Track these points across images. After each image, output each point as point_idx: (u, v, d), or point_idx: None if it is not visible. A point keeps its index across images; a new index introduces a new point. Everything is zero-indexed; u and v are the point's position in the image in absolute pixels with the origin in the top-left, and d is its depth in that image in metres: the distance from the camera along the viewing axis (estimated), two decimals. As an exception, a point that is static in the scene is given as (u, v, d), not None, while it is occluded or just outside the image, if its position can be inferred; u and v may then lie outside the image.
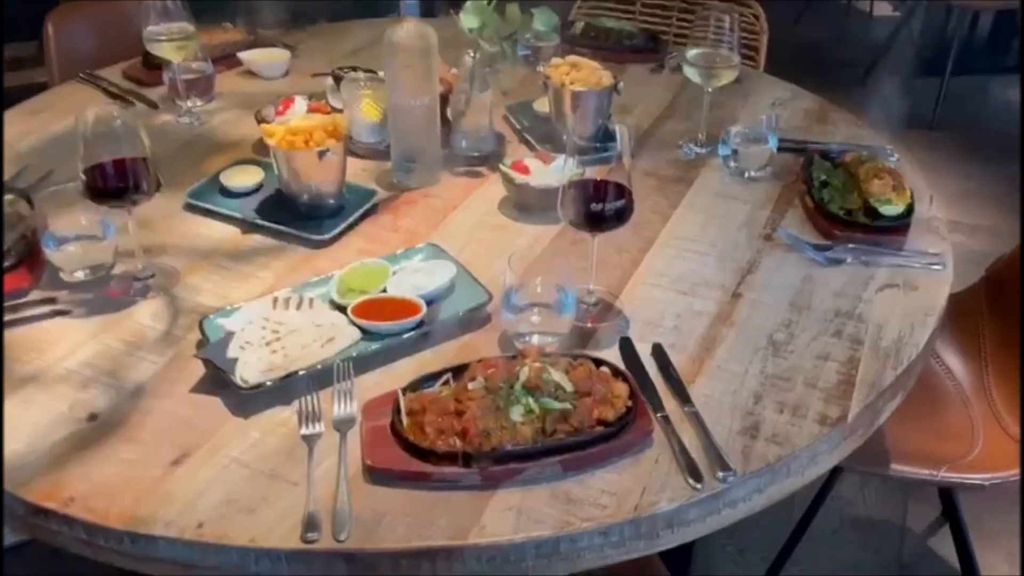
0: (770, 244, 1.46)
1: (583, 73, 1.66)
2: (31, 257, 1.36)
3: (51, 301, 1.28)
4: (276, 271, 1.38)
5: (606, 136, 1.69)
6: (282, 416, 1.11)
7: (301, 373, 1.13)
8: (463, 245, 1.42)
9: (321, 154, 1.44)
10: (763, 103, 1.96)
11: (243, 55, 2.05)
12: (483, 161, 1.67)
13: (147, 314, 1.29)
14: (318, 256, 1.42)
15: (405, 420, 1.05)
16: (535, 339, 1.21)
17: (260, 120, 1.71)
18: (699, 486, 1.00)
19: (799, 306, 1.31)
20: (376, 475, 1.01)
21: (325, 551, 0.94)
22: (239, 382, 1.11)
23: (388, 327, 1.21)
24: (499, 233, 1.48)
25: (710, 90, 1.69)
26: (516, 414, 1.03)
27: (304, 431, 1.07)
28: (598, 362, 1.12)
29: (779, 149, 1.66)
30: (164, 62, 1.84)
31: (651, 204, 1.57)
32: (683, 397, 1.13)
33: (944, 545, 2.15)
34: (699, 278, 1.37)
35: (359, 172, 1.64)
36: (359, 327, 1.21)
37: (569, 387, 1.06)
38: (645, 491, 1.00)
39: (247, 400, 1.11)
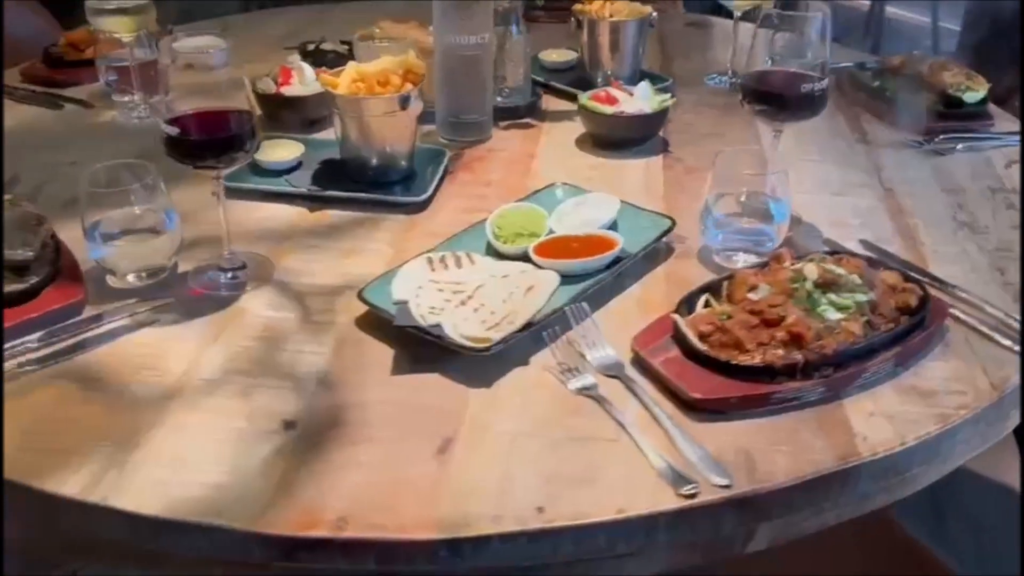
0: (870, 147, 1.41)
1: (618, 5, 1.54)
2: (68, 264, 1.03)
3: (128, 312, 0.97)
4: (387, 241, 1.14)
5: (643, 77, 1.56)
6: (530, 377, 0.89)
7: (539, 318, 0.92)
8: (574, 187, 1.25)
9: (403, 101, 1.20)
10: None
11: (174, 45, 1.73)
12: (522, 115, 1.49)
13: (262, 305, 1.00)
14: (419, 220, 1.19)
15: (700, 344, 0.86)
16: (740, 256, 1.06)
17: (259, 91, 1.44)
18: (1033, 354, 0.90)
19: (952, 190, 1.26)
20: (705, 409, 0.82)
21: (710, 503, 0.74)
22: (471, 345, 0.88)
23: (588, 264, 1.01)
24: (603, 171, 1.32)
25: (739, 14, 1.62)
26: (831, 313, 0.88)
27: (576, 384, 0.86)
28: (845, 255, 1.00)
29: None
30: (71, 55, 1.55)
31: (731, 126, 1.47)
32: (937, 280, 1.02)
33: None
34: (839, 180, 1.28)
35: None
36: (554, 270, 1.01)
37: (857, 279, 0.93)
38: (986, 371, 0.89)
39: (479, 367, 0.88)
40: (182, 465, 0.77)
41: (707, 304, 0.94)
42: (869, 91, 1.52)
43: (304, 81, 1.44)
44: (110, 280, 1.03)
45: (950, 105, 1.44)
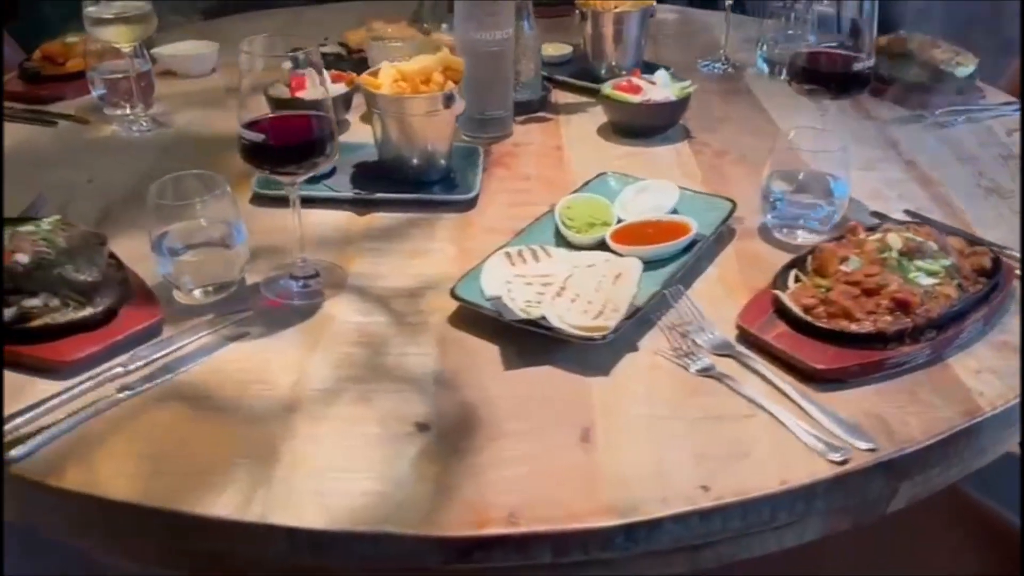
0: (877, 123, 1.47)
1: (619, -4, 1.56)
2: (136, 283, 0.99)
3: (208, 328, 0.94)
4: (447, 240, 1.13)
5: (646, 67, 1.59)
6: (643, 362, 0.90)
7: (640, 304, 0.93)
8: (613, 177, 1.26)
9: (447, 99, 1.19)
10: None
11: (160, 51, 1.67)
12: (535, 108, 1.50)
13: (348, 311, 0.98)
14: (471, 218, 1.18)
15: (806, 316, 0.89)
16: (800, 233, 1.10)
17: (273, 97, 1.40)
18: (1098, 306, 0.96)
19: (967, 159, 1.32)
20: (825, 379, 0.85)
21: (862, 468, 0.76)
22: (586, 334, 0.88)
23: (666, 249, 1.03)
24: (636, 159, 1.33)
25: (730, 2, 1.67)
26: (924, 279, 0.92)
27: (697, 367, 0.87)
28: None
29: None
30: (48, 69, 1.52)
31: (741, 109, 1.51)
32: (991, 244, 1.07)
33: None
34: (860, 156, 1.32)
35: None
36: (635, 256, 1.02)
37: (934, 245, 0.97)
38: (1063, 323, 0.94)
39: (591, 356, 0.89)
40: (330, 475, 0.75)
41: (796, 279, 0.97)
42: (862, 70, 1.58)
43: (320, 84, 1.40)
44: (177, 296, 1.00)
45: (940, 80, 1.52)
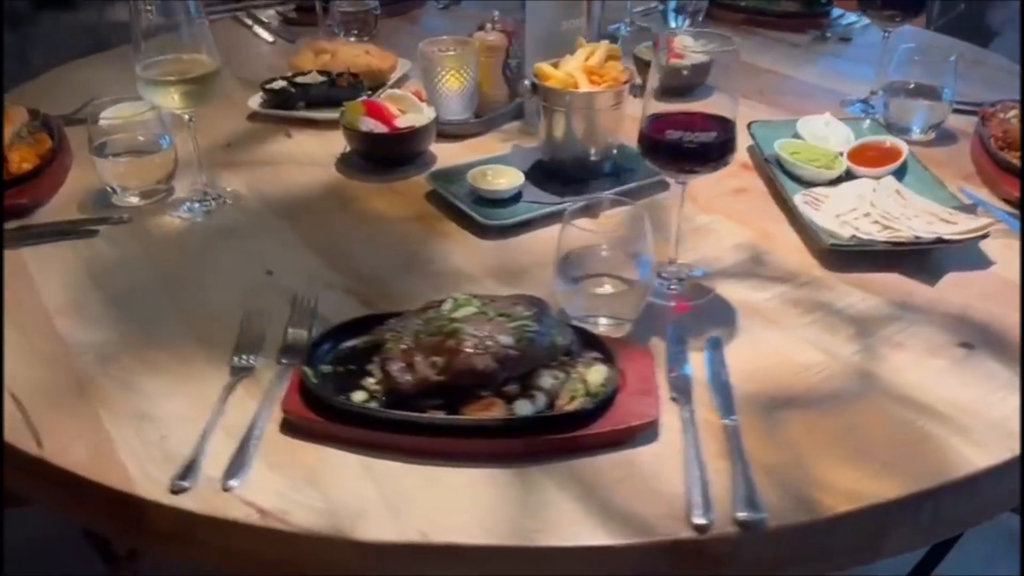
0: (800, 49, 1.76)
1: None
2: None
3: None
4: (700, 211, 1.18)
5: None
6: (995, 249, 1.07)
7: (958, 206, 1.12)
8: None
9: (634, 89, 1.21)
10: None
11: (107, 115, 1.31)
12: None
13: (746, 291, 1.01)
14: (677, 193, 1.23)
15: (1062, 183, 1.15)
16: (914, 130, 1.35)
17: (367, 132, 1.25)
18: None
19: (906, 61, 1.63)
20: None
21: None
22: (978, 235, 1.04)
23: (899, 165, 1.21)
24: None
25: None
26: (1088, 136, 1.23)
27: (1045, 241, 1.09)
28: None
29: None
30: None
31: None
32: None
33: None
34: (849, 72, 1.61)
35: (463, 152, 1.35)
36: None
37: (1053, 112, 1.29)
38: None
39: (963, 256, 1.06)
40: (965, 408, 0.83)
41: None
42: (747, 11, 1.87)
43: (418, 109, 1.29)
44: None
45: (811, 5, 1.87)
